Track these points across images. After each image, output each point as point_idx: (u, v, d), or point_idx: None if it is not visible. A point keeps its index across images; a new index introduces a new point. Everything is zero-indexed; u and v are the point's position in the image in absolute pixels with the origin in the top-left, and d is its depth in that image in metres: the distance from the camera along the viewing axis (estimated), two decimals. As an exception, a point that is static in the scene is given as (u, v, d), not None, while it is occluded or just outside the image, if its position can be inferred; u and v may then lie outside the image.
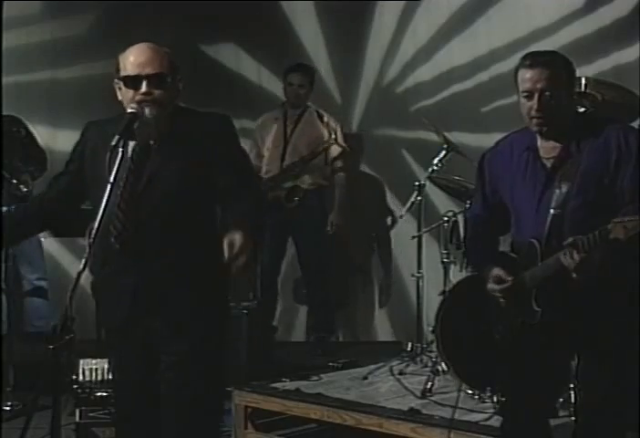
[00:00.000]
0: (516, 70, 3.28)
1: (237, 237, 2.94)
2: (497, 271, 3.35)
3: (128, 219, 3.15)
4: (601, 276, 3.11)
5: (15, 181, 5.78)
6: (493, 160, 3.47)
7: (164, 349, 3.22)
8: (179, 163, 3.18)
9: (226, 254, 2.94)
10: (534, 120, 3.24)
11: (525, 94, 3.23)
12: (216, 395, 3.40)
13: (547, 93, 3.19)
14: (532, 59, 3.23)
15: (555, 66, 3.23)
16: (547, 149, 3.31)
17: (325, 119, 6.41)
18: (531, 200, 3.29)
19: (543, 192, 3.27)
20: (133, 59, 3.17)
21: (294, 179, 6.28)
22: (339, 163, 6.42)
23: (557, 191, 3.23)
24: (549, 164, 3.29)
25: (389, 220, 6.74)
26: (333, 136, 6.27)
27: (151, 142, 3.20)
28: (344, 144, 6.36)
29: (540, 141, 3.32)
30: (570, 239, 3.09)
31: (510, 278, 3.31)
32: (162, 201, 3.16)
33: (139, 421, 3.33)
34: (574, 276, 3.10)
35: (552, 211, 3.23)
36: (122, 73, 3.19)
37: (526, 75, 3.22)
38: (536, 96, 3.20)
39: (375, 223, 6.86)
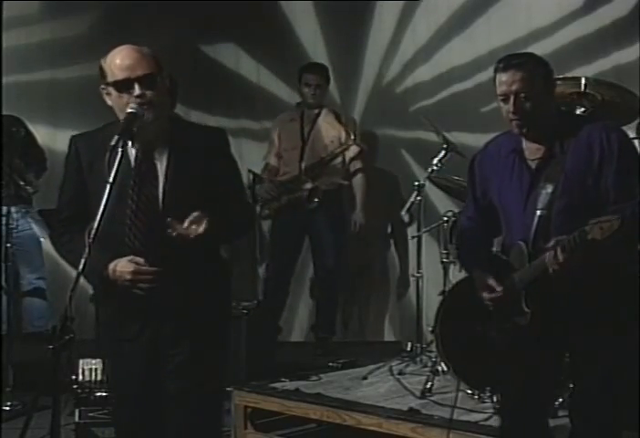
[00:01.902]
0: (494, 77, 3.27)
1: (204, 222, 3.04)
2: (488, 280, 3.35)
3: (145, 236, 3.17)
4: (585, 276, 3.11)
5: (22, 182, 5.78)
6: (482, 162, 3.48)
7: (170, 351, 3.22)
8: (188, 176, 3.19)
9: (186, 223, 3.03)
10: (513, 123, 3.24)
11: (502, 97, 3.23)
12: (219, 395, 3.41)
13: (522, 95, 3.19)
14: (506, 62, 3.24)
15: (529, 67, 3.22)
16: (532, 150, 3.31)
17: (343, 119, 6.39)
18: (519, 201, 3.30)
19: (529, 193, 3.27)
20: (120, 63, 3.15)
21: (313, 180, 6.27)
22: (358, 163, 6.40)
23: (542, 192, 3.23)
24: (534, 166, 3.29)
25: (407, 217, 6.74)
26: (352, 136, 6.25)
27: (155, 155, 3.21)
28: (361, 144, 6.36)
29: (525, 143, 3.32)
30: (552, 241, 3.10)
31: (500, 289, 3.32)
32: (170, 213, 3.14)
33: (139, 423, 3.33)
34: (556, 276, 3.10)
35: (538, 212, 3.23)
36: (111, 78, 3.16)
37: (501, 78, 3.23)
38: (512, 98, 3.20)
39: (390, 220, 6.84)
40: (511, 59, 3.25)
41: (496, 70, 3.26)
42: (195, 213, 3.05)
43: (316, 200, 6.20)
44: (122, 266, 3.13)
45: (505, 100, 3.23)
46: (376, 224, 6.80)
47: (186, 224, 3.04)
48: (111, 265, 3.14)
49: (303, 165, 6.29)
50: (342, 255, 6.41)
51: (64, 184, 3.38)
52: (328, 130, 6.36)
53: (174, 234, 3.04)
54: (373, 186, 6.55)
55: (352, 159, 6.37)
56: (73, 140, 3.36)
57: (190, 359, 3.21)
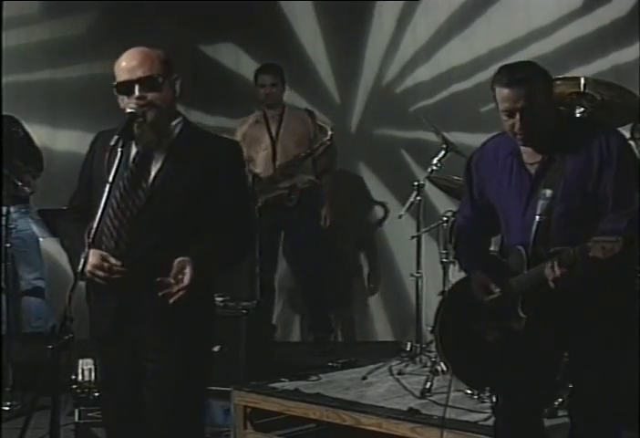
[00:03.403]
0: (492, 84, 3.23)
1: (188, 270, 3.02)
2: (486, 281, 3.36)
3: (122, 236, 3.15)
4: (583, 285, 3.11)
5: (20, 183, 5.77)
6: (479, 162, 3.47)
7: (149, 356, 3.20)
8: (181, 182, 3.15)
9: (172, 274, 3.03)
10: (518, 136, 3.22)
11: (506, 113, 3.19)
12: (200, 398, 3.38)
13: (528, 111, 3.15)
14: (509, 77, 3.17)
15: (532, 82, 3.17)
16: (530, 154, 3.29)
17: (317, 117, 6.40)
18: (518, 205, 3.29)
19: (529, 198, 3.26)
20: (124, 65, 3.15)
21: (289, 178, 6.28)
22: (325, 160, 6.42)
23: (542, 197, 3.22)
24: (533, 170, 3.28)
25: (376, 216, 6.77)
26: (330, 132, 6.25)
27: (150, 155, 3.19)
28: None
29: (523, 146, 3.29)
30: (553, 251, 3.10)
31: (497, 290, 3.32)
32: (160, 218, 3.14)
33: (124, 423, 3.32)
34: (555, 288, 3.11)
35: (537, 218, 3.23)
36: (116, 80, 3.17)
37: (504, 93, 3.18)
38: (517, 115, 3.17)
39: (361, 221, 6.86)
40: (514, 74, 3.18)
41: (497, 83, 3.20)
42: (178, 260, 3.03)
43: (293, 197, 6.21)
44: (88, 255, 3.07)
45: (510, 116, 3.19)
46: (375, 224, 6.82)
47: (172, 279, 3.03)
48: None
49: (277, 164, 6.30)
50: (319, 253, 6.41)
51: (80, 174, 3.39)
52: (297, 127, 6.37)
53: (160, 294, 3.03)
54: (371, 186, 6.58)
55: (320, 155, 6.38)
56: (96, 136, 3.37)
57: (169, 361, 3.17)
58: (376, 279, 6.87)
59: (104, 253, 3.10)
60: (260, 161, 6.37)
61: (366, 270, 6.95)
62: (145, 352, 3.20)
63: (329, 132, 6.24)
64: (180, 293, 3.03)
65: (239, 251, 3.32)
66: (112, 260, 3.09)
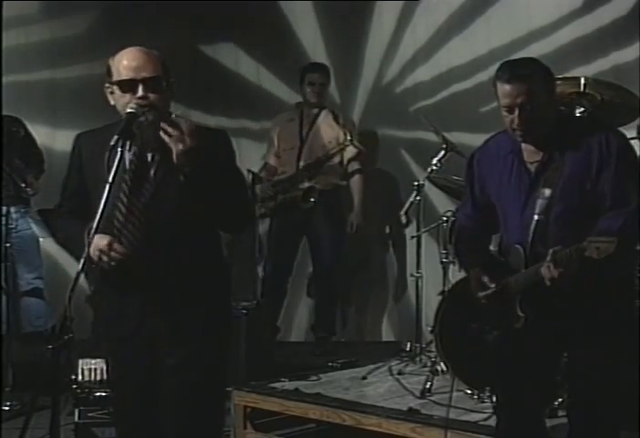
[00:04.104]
0: (494, 80, 3.23)
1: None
2: (482, 276, 3.36)
3: (136, 237, 3.16)
4: (581, 289, 3.12)
5: (23, 184, 5.76)
6: (481, 159, 3.47)
7: (166, 353, 3.22)
8: (175, 179, 3.14)
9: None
10: (517, 132, 3.23)
11: (506, 108, 3.21)
12: (217, 396, 3.40)
13: (527, 107, 3.16)
14: (510, 73, 3.18)
15: (533, 78, 3.18)
16: (530, 152, 3.30)
17: (341, 120, 6.41)
18: (517, 204, 3.30)
19: (528, 196, 3.27)
20: (127, 63, 3.14)
21: (309, 179, 6.28)
22: (356, 164, 6.42)
23: (541, 196, 3.23)
24: (533, 169, 3.28)
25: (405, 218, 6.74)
26: (349, 137, 6.27)
27: (149, 155, 3.20)
28: (359, 145, 6.36)
29: (524, 144, 3.30)
30: (549, 253, 3.10)
31: (492, 285, 3.33)
32: (167, 215, 3.16)
33: (139, 422, 3.33)
34: (552, 287, 3.11)
35: (535, 217, 3.23)
36: (116, 77, 3.16)
37: (505, 89, 3.18)
38: (517, 111, 3.18)
39: (388, 220, 6.84)
40: (515, 70, 3.19)
41: (498, 80, 3.21)
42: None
43: (312, 200, 6.21)
44: (97, 239, 3.07)
45: (509, 111, 3.20)
46: (375, 225, 6.81)
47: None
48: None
49: (300, 165, 6.30)
50: (340, 255, 6.41)
51: (66, 179, 3.40)
52: (327, 130, 6.37)
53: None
54: (371, 186, 6.55)
55: (350, 160, 6.39)
56: (77, 137, 3.37)
57: (187, 358, 3.20)
58: (401, 284, 6.83)
59: (111, 238, 3.10)
60: (285, 160, 6.39)
61: (369, 270, 6.95)
62: (161, 348, 3.21)
63: (348, 137, 6.24)
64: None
65: (237, 210, 3.27)
66: (117, 246, 3.09)
